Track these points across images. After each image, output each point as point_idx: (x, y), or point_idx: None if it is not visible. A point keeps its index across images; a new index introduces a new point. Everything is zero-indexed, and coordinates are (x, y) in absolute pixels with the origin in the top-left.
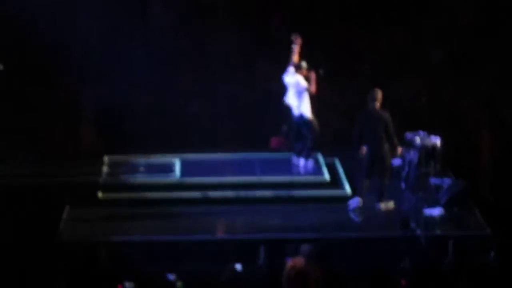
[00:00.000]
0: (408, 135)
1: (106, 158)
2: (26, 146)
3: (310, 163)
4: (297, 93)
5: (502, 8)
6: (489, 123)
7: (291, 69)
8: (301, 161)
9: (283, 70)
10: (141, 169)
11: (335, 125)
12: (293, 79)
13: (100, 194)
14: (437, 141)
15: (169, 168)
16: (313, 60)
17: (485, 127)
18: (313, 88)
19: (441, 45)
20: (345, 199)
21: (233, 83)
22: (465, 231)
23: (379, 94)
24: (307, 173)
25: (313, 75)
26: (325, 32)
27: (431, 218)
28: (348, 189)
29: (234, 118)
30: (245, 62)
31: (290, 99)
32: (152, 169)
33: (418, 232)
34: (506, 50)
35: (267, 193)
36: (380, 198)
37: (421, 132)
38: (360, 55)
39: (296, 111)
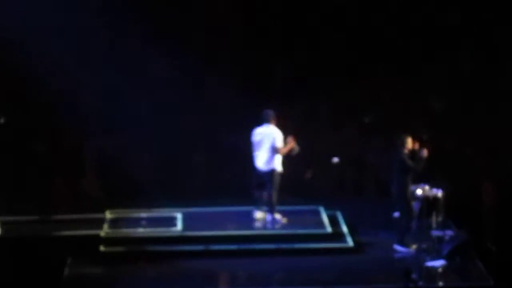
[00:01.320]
0: (411, 187)
1: (108, 211)
2: (28, 198)
3: (273, 217)
4: (271, 148)
5: (503, 57)
6: (491, 173)
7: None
8: (268, 216)
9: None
10: (143, 222)
11: (337, 177)
12: (270, 134)
13: (102, 248)
14: (438, 193)
15: (171, 222)
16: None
17: (487, 178)
18: (285, 150)
19: (442, 94)
20: (347, 251)
21: (235, 135)
22: (468, 282)
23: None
24: (269, 227)
25: (290, 140)
26: (328, 84)
27: (434, 270)
28: (350, 241)
29: (234, 169)
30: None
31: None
32: (154, 222)
33: (421, 283)
34: (507, 99)
35: (269, 245)
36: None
37: (423, 184)
38: (362, 106)
39: (265, 165)
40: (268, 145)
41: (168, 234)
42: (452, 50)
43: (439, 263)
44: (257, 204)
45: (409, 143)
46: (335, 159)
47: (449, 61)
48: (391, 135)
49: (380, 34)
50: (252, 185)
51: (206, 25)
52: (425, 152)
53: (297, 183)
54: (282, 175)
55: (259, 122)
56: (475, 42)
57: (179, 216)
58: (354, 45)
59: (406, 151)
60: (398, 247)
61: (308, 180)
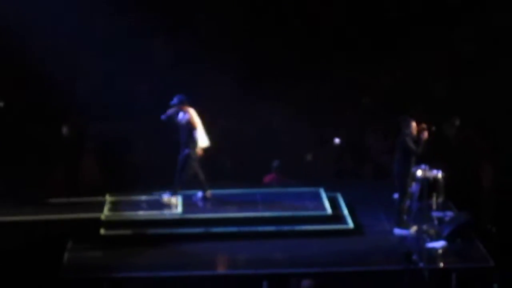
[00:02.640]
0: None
1: (108, 195)
2: (29, 182)
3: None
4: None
5: (502, 41)
6: (491, 155)
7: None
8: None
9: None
10: (144, 205)
11: (338, 159)
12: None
13: (102, 231)
14: (439, 174)
15: (171, 204)
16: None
17: (487, 159)
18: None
19: (442, 77)
20: (347, 233)
21: (233, 118)
22: (468, 263)
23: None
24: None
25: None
26: (328, 65)
27: (434, 251)
28: (350, 223)
29: (232, 153)
30: (245, 98)
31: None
32: (155, 205)
33: (421, 265)
34: (506, 82)
35: (270, 228)
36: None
37: (423, 165)
38: (362, 89)
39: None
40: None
41: (168, 217)
42: (451, 32)
43: (439, 244)
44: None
45: (413, 125)
46: (337, 140)
47: (449, 43)
48: (390, 118)
49: (380, 17)
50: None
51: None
52: (425, 135)
53: (298, 166)
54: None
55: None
56: (475, 23)
57: (179, 198)
58: (354, 27)
59: (409, 133)
60: (397, 230)
61: (309, 163)
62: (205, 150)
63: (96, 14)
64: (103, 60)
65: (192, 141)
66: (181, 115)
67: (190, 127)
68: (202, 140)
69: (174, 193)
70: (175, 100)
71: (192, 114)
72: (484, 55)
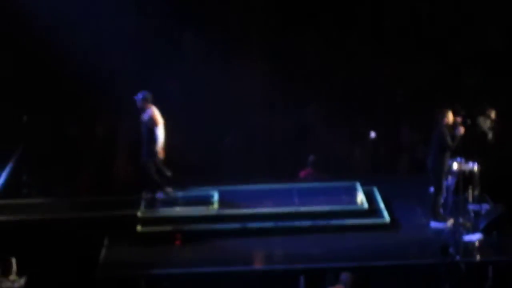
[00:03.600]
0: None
1: (144, 192)
2: (65, 180)
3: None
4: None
5: None
6: None
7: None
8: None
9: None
10: (180, 202)
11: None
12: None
13: (139, 228)
14: (474, 167)
15: (207, 200)
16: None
17: None
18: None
19: (475, 71)
20: (383, 227)
21: (266, 115)
22: (505, 256)
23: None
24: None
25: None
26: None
27: (471, 244)
28: (386, 217)
29: (266, 149)
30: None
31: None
32: (191, 201)
33: (458, 258)
34: None
35: (306, 223)
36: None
37: (459, 158)
38: (392, 85)
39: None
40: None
41: (204, 213)
42: (481, 25)
43: (476, 237)
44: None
45: (450, 117)
46: (372, 134)
47: (480, 36)
48: (426, 111)
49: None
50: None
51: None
52: (461, 130)
53: (335, 160)
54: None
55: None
56: (504, 17)
57: (215, 194)
58: (383, 24)
59: (446, 125)
60: (434, 223)
61: (345, 157)
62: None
63: (126, 9)
64: (135, 56)
65: (153, 139)
66: (144, 112)
67: (150, 125)
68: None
69: (166, 193)
70: (139, 96)
71: (155, 112)
72: None
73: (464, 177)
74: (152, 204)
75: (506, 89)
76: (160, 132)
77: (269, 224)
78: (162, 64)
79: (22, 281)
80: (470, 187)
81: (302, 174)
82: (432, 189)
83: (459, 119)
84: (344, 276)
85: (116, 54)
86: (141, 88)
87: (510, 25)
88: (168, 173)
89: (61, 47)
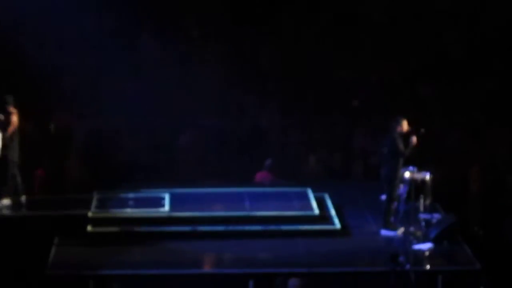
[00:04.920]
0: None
1: (95, 192)
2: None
3: None
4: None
5: (490, 44)
6: (478, 158)
7: None
8: None
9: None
10: (131, 203)
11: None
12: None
13: (89, 228)
14: (426, 176)
15: (158, 202)
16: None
17: (475, 162)
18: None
19: (429, 80)
20: (334, 233)
21: (220, 117)
22: (455, 266)
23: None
24: None
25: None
26: (315, 69)
27: (421, 253)
28: (337, 223)
29: (221, 152)
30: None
31: None
32: (142, 203)
33: (407, 266)
34: (495, 86)
35: (257, 227)
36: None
37: (411, 167)
38: (350, 90)
39: None
40: None
41: (155, 215)
42: (440, 34)
43: (426, 246)
44: None
45: (405, 125)
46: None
47: (437, 45)
48: (378, 119)
49: (369, 20)
50: None
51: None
52: (414, 139)
53: (286, 167)
54: None
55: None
56: (463, 26)
57: (166, 197)
58: (342, 28)
59: (399, 133)
60: (384, 231)
61: (300, 162)
62: None
63: (84, 11)
64: (90, 57)
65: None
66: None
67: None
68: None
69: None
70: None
71: (13, 116)
72: (473, 58)
73: (416, 186)
74: (103, 204)
75: (461, 98)
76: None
77: (219, 228)
78: (118, 65)
79: None
80: (422, 196)
81: (258, 176)
82: (383, 196)
83: (413, 128)
84: (292, 282)
85: (72, 53)
86: (97, 87)
87: (467, 34)
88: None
89: (17, 45)
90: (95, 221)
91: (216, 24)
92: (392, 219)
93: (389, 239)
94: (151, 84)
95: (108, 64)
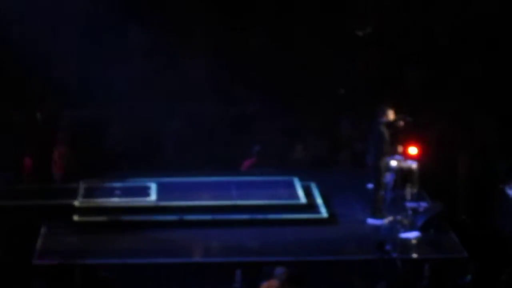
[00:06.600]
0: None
1: (82, 181)
2: (2, 167)
3: None
4: None
5: (477, 33)
6: (466, 146)
7: None
8: None
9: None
10: (117, 192)
11: (313, 150)
12: None
13: (76, 217)
14: (413, 164)
15: (145, 192)
16: None
17: (462, 150)
18: None
19: (417, 67)
20: (321, 222)
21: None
22: (442, 254)
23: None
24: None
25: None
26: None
27: (408, 241)
28: (324, 212)
29: (208, 140)
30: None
31: None
32: (129, 192)
33: (394, 255)
34: (482, 73)
35: (244, 216)
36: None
37: (398, 156)
38: (336, 79)
39: None
40: None
41: (142, 204)
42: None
43: (413, 234)
44: None
45: (390, 114)
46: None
47: (425, 33)
48: (366, 107)
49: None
50: None
51: None
52: (400, 124)
53: (273, 156)
54: None
55: None
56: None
57: (153, 186)
58: (330, 16)
59: (385, 122)
60: (371, 219)
61: (286, 150)
62: None
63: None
64: (78, 45)
65: None
66: None
67: None
68: None
69: None
70: None
71: None
72: (460, 45)
73: (403, 174)
74: (90, 193)
75: (450, 85)
76: None
77: (206, 217)
78: (107, 54)
79: None
80: (409, 184)
81: (246, 164)
82: (370, 185)
83: (400, 116)
84: (278, 270)
85: (60, 41)
86: (82, 76)
87: (454, 22)
88: None
89: (4, 33)
90: (82, 211)
91: (204, 12)
92: (379, 207)
93: (376, 228)
94: (140, 73)
95: (96, 52)
